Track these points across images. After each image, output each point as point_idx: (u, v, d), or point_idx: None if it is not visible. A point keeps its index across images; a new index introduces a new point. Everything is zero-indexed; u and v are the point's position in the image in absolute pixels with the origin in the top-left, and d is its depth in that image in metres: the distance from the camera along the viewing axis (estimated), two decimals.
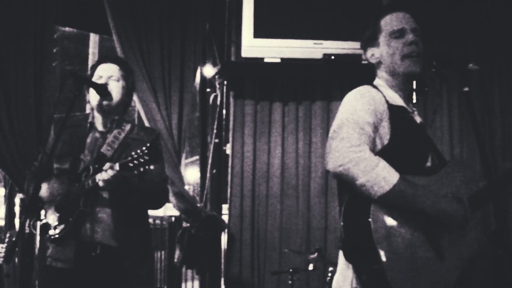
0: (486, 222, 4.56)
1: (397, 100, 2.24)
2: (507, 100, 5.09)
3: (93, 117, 2.91)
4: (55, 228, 2.75)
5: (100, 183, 2.62)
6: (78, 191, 2.72)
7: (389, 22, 2.26)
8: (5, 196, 4.43)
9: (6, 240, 3.77)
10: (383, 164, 1.99)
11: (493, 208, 1.91)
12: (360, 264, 2.06)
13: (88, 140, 2.86)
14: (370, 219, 1.97)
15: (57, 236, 2.74)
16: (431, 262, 2.04)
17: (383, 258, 1.94)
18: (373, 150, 2.11)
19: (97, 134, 2.88)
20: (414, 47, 2.21)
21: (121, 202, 2.75)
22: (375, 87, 2.25)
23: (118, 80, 2.88)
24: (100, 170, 2.65)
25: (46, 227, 2.78)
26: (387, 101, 2.19)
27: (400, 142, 2.15)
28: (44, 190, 2.78)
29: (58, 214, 2.77)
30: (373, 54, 2.30)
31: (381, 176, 1.97)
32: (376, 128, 2.12)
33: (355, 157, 1.98)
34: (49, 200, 2.79)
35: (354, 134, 2.04)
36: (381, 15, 2.29)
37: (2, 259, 3.75)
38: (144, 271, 2.85)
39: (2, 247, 3.75)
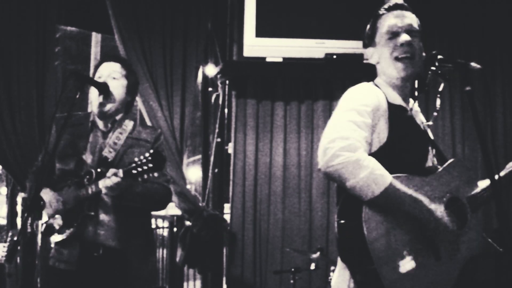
0: (488, 221, 4.56)
1: (397, 99, 2.22)
2: (509, 100, 5.08)
3: (94, 116, 2.90)
4: (59, 232, 2.75)
5: (104, 190, 2.61)
6: (81, 195, 2.72)
7: (384, 22, 2.22)
8: (7, 195, 4.44)
9: (8, 239, 3.77)
10: (374, 166, 1.96)
11: (495, 208, 1.91)
12: (354, 264, 2.05)
13: (90, 139, 2.85)
14: (362, 219, 1.95)
15: (62, 239, 2.73)
16: (429, 262, 2.02)
17: (376, 259, 1.93)
18: (370, 149, 2.09)
19: (99, 133, 2.86)
20: (406, 49, 2.16)
21: (124, 205, 2.74)
22: (375, 85, 2.24)
23: (119, 79, 2.87)
24: (103, 174, 2.64)
25: (49, 229, 2.77)
26: (387, 100, 2.17)
27: (398, 141, 2.13)
28: (47, 197, 2.76)
29: (62, 218, 2.76)
30: (371, 53, 2.27)
31: (371, 179, 1.94)
32: (373, 127, 2.10)
33: (346, 157, 1.94)
34: (53, 207, 2.78)
35: (348, 134, 2.00)
36: (379, 14, 2.26)
37: (4, 258, 3.76)
38: (147, 272, 2.85)
39: (4, 246, 3.76)
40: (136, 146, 2.82)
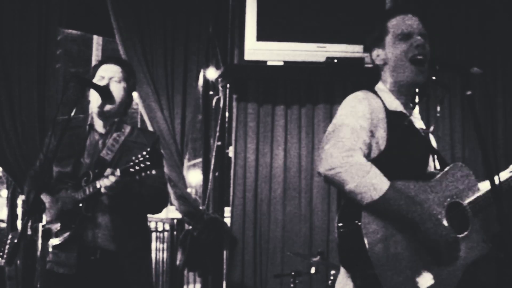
0: (489, 225, 4.55)
1: (396, 105, 2.23)
2: (509, 104, 5.09)
3: (92, 119, 2.91)
4: (57, 234, 2.75)
5: (102, 189, 2.61)
6: (79, 197, 2.72)
7: (397, 23, 2.24)
8: (7, 198, 4.44)
9: (8, 242, 3.76)
10: (374, 171, 1.97)
11: (496, 212, 1.90)
12: (354, 269, 2.05)
13: (88, 142, 2.86)
14: (362, 224, 1.95)
15: (60, 242, 2.73)
16: (430, 267, 2.02)
17: (376, 263, 1.93)
18: (369, 155, 2.10)
19: (96, 136, 2.87)
20: (421, 50, 2.19)
21: (121, 207, 2.74)
22: (374, 92, 2.24)
23: (119, 82, 2.88)
24: (100, 175, 2.64)
25: (48, 232, 2.77)
26: (385, 107, 2.18)
27: (398, 148, 2.13)
28: (48, 205, 2.77)
29: (59, 221, 2.76)
30: (378, 55, 2.28)
31: (370, 184, 1.95)
32: (372, 134, 2.11)
33: (346, 162, 1.96)
34: (51, 212, 2.78)
35: (348, 139, 2.02)
36: (389, 17, 2.28)
37: (4, 261, 3.75)
38: (143, 275, 2.85)
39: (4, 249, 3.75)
40: (134, 148, 2.82)
